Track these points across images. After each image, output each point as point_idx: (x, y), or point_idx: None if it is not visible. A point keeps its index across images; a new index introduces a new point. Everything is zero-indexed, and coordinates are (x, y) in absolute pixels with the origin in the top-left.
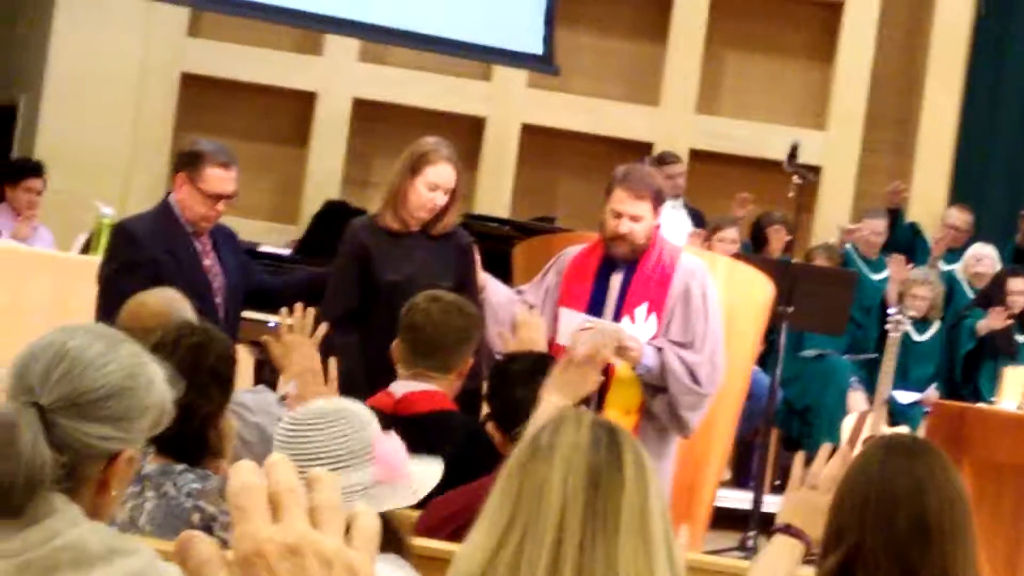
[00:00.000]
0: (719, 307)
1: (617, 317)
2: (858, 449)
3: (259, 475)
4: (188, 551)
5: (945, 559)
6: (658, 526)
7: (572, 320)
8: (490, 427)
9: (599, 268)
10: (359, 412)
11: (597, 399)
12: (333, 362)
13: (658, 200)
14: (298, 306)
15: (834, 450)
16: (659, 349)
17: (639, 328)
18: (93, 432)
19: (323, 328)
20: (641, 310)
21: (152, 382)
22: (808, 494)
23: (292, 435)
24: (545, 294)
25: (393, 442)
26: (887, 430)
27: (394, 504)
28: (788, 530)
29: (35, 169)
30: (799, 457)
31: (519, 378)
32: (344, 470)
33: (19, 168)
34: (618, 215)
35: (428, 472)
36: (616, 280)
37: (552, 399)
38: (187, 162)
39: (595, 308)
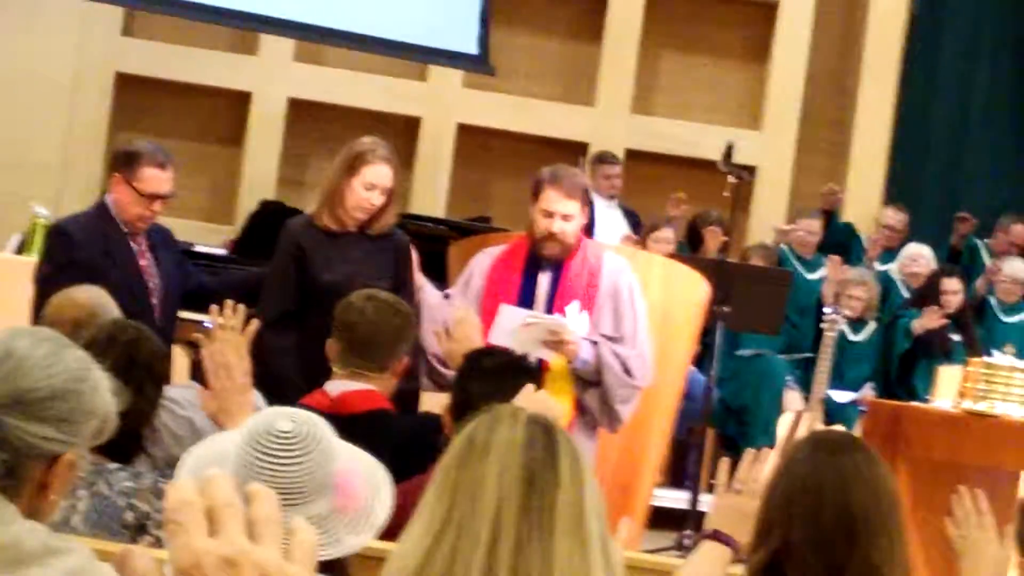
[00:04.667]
0: (644, 304)
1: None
2: None
3: (196, 490)
4: (125, 566)
5: (871, 553)
6: (594, 524)
7: (513, 316)
8: (444, 411)
9: (525, 267)
10: (327, 441)
11: None
12: (247, 359)
13: (586, 198)
14: (228, 303)
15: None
16: (594, 343)
17: (572, 326)
18: (36, 432)
19: (254, 325)
20: (572, 308)
21: (97, 388)
22: (736, 499)
23: (258, 466)
24: (474, 299)
25: (355, 471)
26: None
27: (352, 541)
28: (716, 536)
29: None
30: (724, 462)
31: (482, 373)
32: (305, 504)
33: None
34: (549, 215)
35: (384, 502)
36: (544, 279)
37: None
38: (123, 162)
39: (525, 307)
